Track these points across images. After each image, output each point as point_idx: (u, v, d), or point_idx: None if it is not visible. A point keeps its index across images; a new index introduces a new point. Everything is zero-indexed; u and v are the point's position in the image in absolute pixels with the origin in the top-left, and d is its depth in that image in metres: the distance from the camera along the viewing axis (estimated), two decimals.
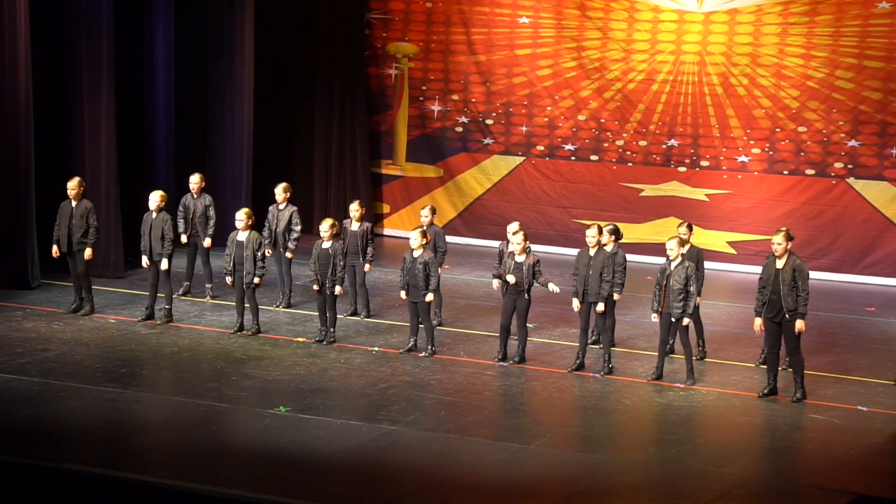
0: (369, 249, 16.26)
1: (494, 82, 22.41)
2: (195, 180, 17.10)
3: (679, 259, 13.96)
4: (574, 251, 20.32)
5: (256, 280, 15.26)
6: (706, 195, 21.47)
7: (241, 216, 15.44)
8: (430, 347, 14.78)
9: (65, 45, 17.99)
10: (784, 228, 13.72)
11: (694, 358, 14.32)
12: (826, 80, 20.70)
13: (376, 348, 15.01)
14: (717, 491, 11.03)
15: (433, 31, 22.62)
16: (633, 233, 20.79)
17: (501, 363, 14.58)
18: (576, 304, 14.46)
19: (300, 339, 15.23)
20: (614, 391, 13.83)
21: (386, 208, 23.11)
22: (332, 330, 15.13)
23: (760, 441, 12.71)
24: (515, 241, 14.56)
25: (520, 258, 14.51)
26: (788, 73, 20.87)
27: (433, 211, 16.42)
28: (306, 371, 14.02)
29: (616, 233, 14.65)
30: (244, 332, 15.36)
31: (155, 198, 15.83)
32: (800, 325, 13.44)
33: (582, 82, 21.95)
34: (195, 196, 17.02)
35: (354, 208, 16.38)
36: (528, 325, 14.80)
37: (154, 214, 15.78)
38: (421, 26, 22.64)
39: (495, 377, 14.17)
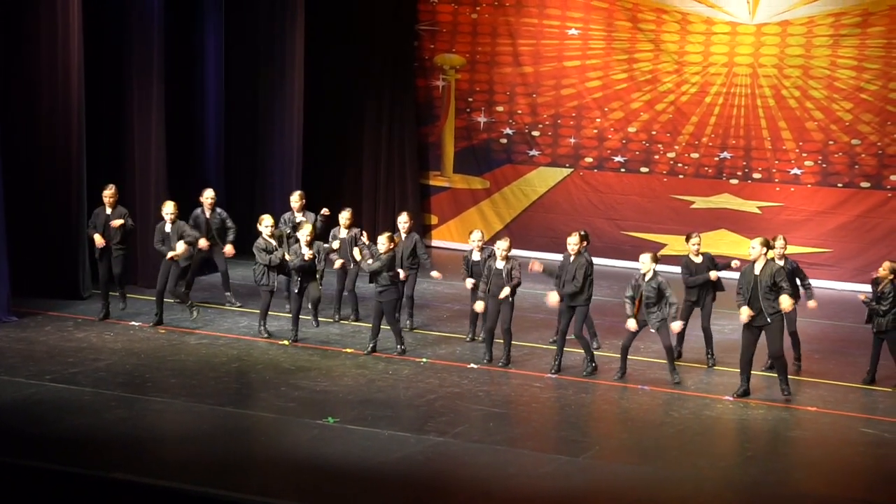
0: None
1: (542, 94, 22.39)
2: (209, 195, 17.18)
3: (651, 273, 14.30)
4: (622, 263, 20.53)
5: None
6: (758, 207, 21.33)
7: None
8: (399, 347, 15.20)
9: (116, 52, 18.14)
10: (762, 237, 14.05)
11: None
12: (879, 93, 20.52)
13: (424, 359, 15.02)
14: None
15: (479, 42, 22.65)
16: (683, 245, 20.62)
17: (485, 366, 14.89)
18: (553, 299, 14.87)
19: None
20: (662, 403, 13.75)
21: (434, 219, 23.13)
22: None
23: (811, 454, 12.59)
24: (501, 247, 14.91)
25: (500, 264, 14.81)
26: (841, 84, 20.70)
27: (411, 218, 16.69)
28: (354, 382, 14.04)
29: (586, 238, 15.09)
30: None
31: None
32: (786, 301, 13.62)
33: (633, 94, 21.89)
34: (207, 212, 17.13)
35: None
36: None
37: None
38: (467, 38, 22.67)
39: (543, 389, 14.13)
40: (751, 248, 13.88)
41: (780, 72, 21.02)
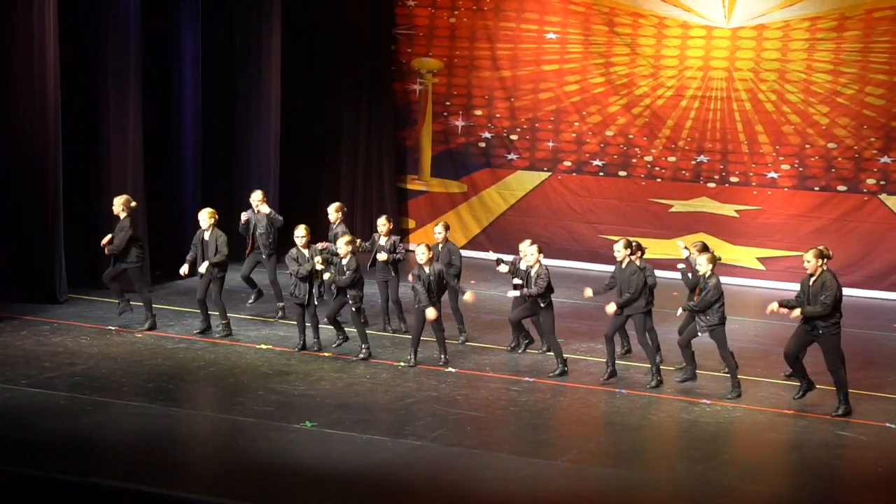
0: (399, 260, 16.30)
1: (520, 98, 22.40)
2: (258, 197, 16.96)
3: (709, 274, 14.06)
4: (600, 267, 20.53)
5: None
6: (736, 211, 21.39)
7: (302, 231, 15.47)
8: (442, 357, 15.07)
9: (93, 57, 18.03)
10: (817, 247, 13.77)
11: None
12: (856, 97, 20.60)
13: (402, 363, 14.99)
14: None
15: (457, 46, 22.65)
16: (661, 248, 20.72)
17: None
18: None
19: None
20: (640, 407, 13.77)
21: (411, 223, 23.12)
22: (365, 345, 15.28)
23: (787, 458, 12.63)
24: (530, 252, 14.74)
25: (534, 271, 14.74)
26: (817, 88, 20.78)
27: (446, 227, 16.38)
28: (332, 386, 14.02)
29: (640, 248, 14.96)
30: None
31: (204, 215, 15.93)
32: (796, 312, 13.51)
33: (610, 98, 21.92)
34: (256, 212, 17.00)
35: (382, 223, 16.38)
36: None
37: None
38: (445, 41, 22.67)
39: (521, 392, 14.13)
40: (806, 262, 13.53)
41: (756, 76, 21.09)
